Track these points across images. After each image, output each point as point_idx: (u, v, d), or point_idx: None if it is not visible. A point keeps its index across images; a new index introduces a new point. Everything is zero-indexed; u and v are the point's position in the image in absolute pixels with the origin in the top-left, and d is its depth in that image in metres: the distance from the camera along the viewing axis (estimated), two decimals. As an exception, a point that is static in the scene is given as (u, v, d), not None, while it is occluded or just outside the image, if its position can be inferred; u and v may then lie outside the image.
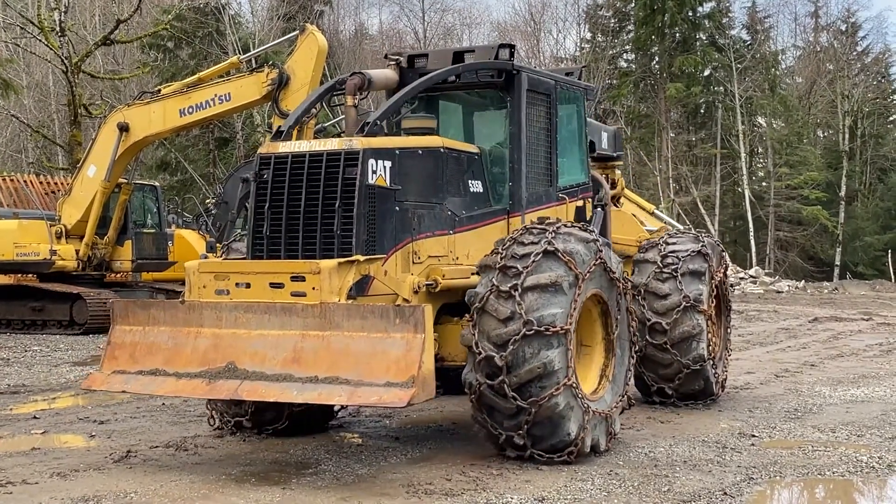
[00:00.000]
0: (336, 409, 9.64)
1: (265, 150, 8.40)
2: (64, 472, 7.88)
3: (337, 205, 7.90)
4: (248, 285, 7.93)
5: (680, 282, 10.79)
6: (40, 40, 28.73)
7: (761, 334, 20.66)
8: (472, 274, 8.60)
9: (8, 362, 15.70)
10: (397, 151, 8.29)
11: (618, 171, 13.63)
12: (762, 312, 26.59)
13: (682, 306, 10.72)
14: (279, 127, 8.93)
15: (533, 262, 7.95)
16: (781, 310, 27.77)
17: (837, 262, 50.33)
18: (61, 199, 21.72)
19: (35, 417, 10.60)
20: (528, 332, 7.71)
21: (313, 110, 11.54)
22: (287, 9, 45.77)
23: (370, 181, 7.95)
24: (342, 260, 7.67)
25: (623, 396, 8.92)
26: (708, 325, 10.88)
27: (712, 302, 11.20)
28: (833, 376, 13.84)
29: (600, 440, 8.38)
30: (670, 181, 48.06)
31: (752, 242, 48.44)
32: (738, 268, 41.27)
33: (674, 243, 11.25)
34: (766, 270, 43.98)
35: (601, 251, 8.54)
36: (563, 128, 10.16)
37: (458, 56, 9.73)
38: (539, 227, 8.43)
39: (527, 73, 9.60)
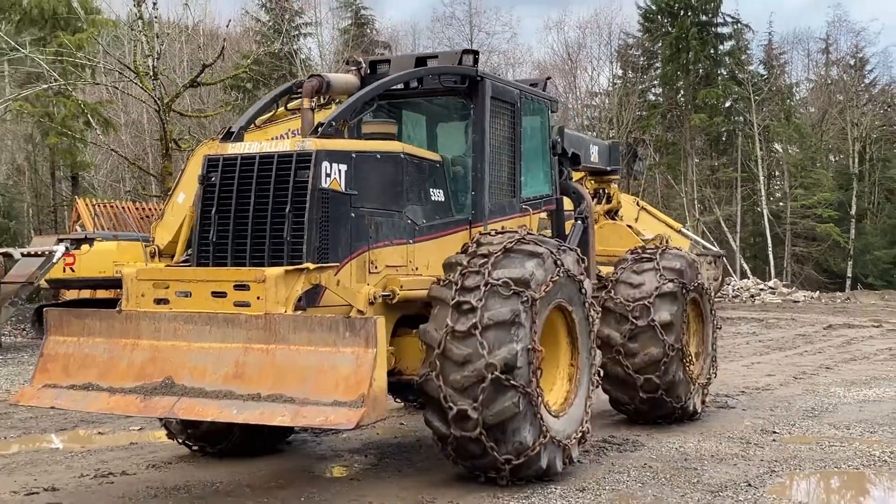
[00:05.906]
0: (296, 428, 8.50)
1: (213, 151, 7.20)
2: (158, 465, 7.97)
3: (287, 209, 6.70)
4: (188, 294, 6.56)
5: (661, 331, 9.34)
6: (136, 83, 29.15)
7: (780, 340, 20.36)
8: (433, 284, 7.29)
9: (109, 367, 15.88)
10: (354, 155, 7.09)
11: (614, 185, 12.63)
12: (780, 320, 26.19)
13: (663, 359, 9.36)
14: (229, 128, 7.71)
15: (484, 294, 6.84)
16: (798, 318, 27.33)
17: (849, 275, 49.44)
18: (154, 223, 21.81)
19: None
20: (492, 377, 6.64)
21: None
22: (351, 53, 46.17)
23: (323, 185, 6.75)
24: (289, 268, 6.39)
25: (596, 385, 8.00)
26: (686, 365, 9.59)
27: (685, 334, 9.66)
28: (847, 378, 13.60)
29: (573, 450, 7.46)
30: (695, 202, 47.60)
31: (771, 257, 47.84)
32: (757, 280, 40.80)
33: (639, 284, 9.58)
34: (784, 282, 43.29)
35: (559, 258, 7.40)
36: (526, 139, 8.92)
37: (421, 62, 8.45)
38: (481, 252, 7.21)
39: (491, 81, 8.40)
